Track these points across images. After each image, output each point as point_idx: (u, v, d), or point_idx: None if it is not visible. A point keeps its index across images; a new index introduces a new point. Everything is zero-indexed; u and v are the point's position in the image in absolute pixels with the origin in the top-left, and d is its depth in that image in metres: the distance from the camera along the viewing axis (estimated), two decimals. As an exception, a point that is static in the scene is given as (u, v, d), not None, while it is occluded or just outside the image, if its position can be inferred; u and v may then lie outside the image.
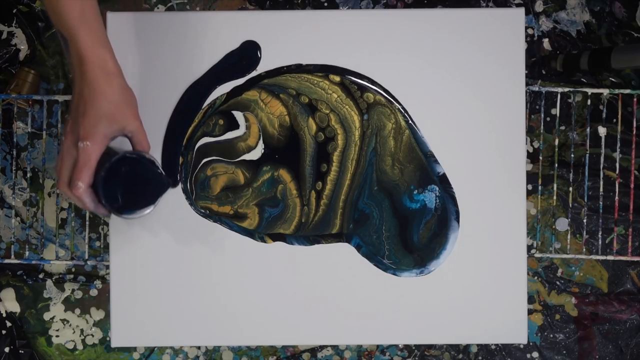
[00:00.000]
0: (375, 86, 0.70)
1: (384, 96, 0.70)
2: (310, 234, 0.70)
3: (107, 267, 1.05)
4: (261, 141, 0.70)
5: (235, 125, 0.70)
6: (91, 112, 0.57)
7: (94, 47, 0.57)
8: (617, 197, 0.97)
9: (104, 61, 0.58)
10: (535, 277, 1.10)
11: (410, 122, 0.70)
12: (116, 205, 0.60)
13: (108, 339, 1.08)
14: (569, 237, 1.00)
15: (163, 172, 0.62)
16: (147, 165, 0.61)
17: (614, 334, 1.09)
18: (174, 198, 0.70)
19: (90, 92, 0.57)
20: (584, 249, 1.00)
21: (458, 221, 0.71)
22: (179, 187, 0.70)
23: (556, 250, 1.08)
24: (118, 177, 0.59)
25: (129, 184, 0.60)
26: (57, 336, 1.08)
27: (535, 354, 1.09)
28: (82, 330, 1.08)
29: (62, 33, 0.57)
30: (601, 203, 0.96)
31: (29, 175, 0.97)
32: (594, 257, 0.96)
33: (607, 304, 1.09)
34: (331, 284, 0.70)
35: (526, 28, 1.10)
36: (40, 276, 1.07)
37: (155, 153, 0.70)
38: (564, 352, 1.09)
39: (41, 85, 1.08)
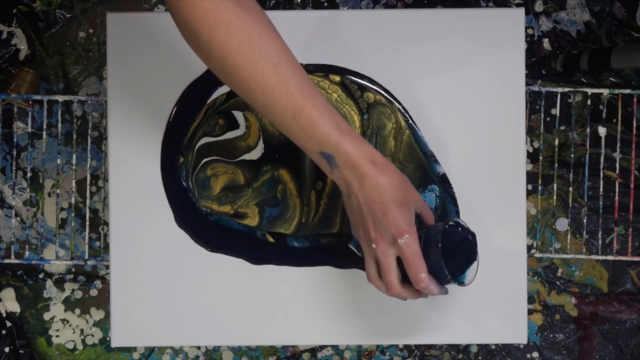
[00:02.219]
0: (375, 86, 0.70)
1: (384, 96, 0.70)
2: (310, 233, 0.70)
3: (107, 267, 1.05)
4: (261, 141, 0.70)
5: (235, 125, 0.70)
6: (391, 208, 0.56)
7: (360, 149, 0.56)
8: (617, 197, 0.97)
9: (374, 156, 0.57)
10: (535, 277, 1.10)
11: (410, 122, 0.70)
12: (456, 274, 0.60)
13: (108, 339, 1.08)
14: (569, 237, 1.00)
15: (466, 225, 0.61)
16: (460, 228, 0.61)
17: (614, 334, 1.09)
18: (175, 196, 0.70)
19: (378, 190, 0.56)
20: (584, 249, 1.00)
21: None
22: (181, 186, 0.70)
23: (556, 250, 1.08)
24: (447, 250, 0.58)
25: (454, 252, 0.59)
26: (57, 336, 1.08)
27: (535, 354, 1.09)
28: (82, 330, 1.08)
29: (325, 151, 0.56)
30: (601, 203, 0.96)
31: (29, 175, 0.97)
32: (594, 257, 0.96)
33: (607, 304, 1.09)
34: (331, 284, 0.70)
35: (526, 28, 1.10)
36: (40, 276, 1.07)
37: (155, 153, 0.70)
38: (564, 352, 1.09)
39: (41, 85, 1.08)
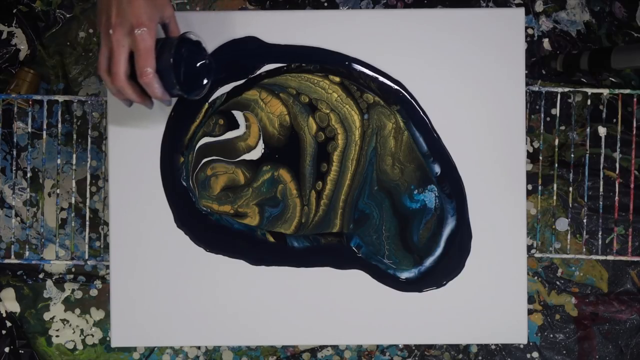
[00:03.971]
0: (376, 82, 0.70)
1: (381, 97, 0.70)
2: (310, 233, 0.70)
3: (107, 267, 1.05)
4: (261, 141, 0.70)
5: (235, 125, 0.70)
6: (138, 1, 0.58)
7: None
8: (617, 197, 0.97)
9: None
10: (535, 277, 1.10)
11: (409, 122, 0.70)
12: (185, 87, 0.62)
13: (108, 339, 1.08)
14: (569, 237, 1.00)
15: (206, 49, 0.64)
16: (199, 46, 0.63)
17: (614, 334, 1.09)
18: (175, 197, 0.70)
19: None
20: (584, 249, 0.99)
21: (455, 219, 0.71)
22: (181, 186, 0.70)
23: (556, 250, 1.08)
24: (181, 59, 0.61)
25: (188, 64, 0.62)
26: (57, 336, 1.08)
27: (535, 354, 1.09)
28: (82, 330, 1.08)
29: None
30: (601, 203, 0.96)
31: (29, 175, 0.97)
32: (594, 257, 0.96)
33: (607, 304, 1.09)
34: (331, 284, 0.70)
35: (526, 28, 1.10)
36: (40, 276, 1.07)
37: (155, 153, 0.70)
38: (564, 352, 1.09)
39: (41, 85, 1.08)
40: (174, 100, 0.69)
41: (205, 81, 0.64)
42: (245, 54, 0.70)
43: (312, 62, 0.70)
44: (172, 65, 0.59)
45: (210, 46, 0.70)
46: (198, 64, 0.63)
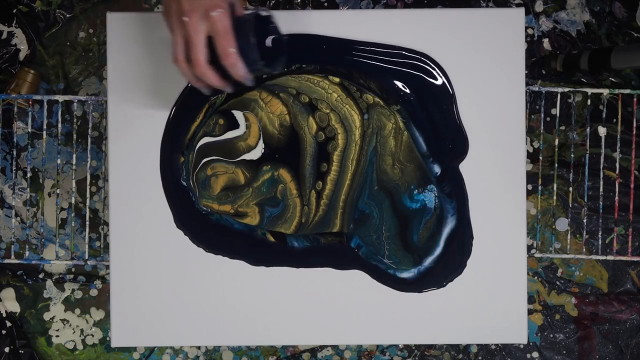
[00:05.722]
0: (376, 82, 0.70)
1: (381, 97, 0.70)
2: (310, 233, 0.70)
3: (107, 267, 1.05)
4: (261, 141, 0.70)
5: (235, 125, 0.70)
6: None
7: None
8: (617, 197, 0.97)
9: None
10: (535, 277, 1.10)
11: (409, 122, 0.70)
12: (267, 62, 0.61)
13: (108, 339, 1.08)
14: (569, 237, 1.00)
15: (278, 26, 0.63)
16: (272, 20, 0.62)
17: (614, 334, 1.09)
18: (175, 197, 0.70)
19: None
20: (584, 249, 1.00)
21: (455, 218, 0.71)
22: (181, 186, 0.70)
23: (556, 250, 1.08)
24: (259, 35, 0.60)
25: (265, 40, 0.61)
26: (57, 336, 1.08)
27: (535, 354, 1.09)
28: (82, 330, 1.08)
29: None
30: (601, 203, 0.96)
31: (29, 175, 0.97)
32: (594, 257, 0.96)
33: (607, 304, 1.09)
34: (331, 284, 0.70)
35: (526, 28, 1.10)
36: (40, 276, 1.07)
37: (155, 153, 0.70)
38: (564, 352, 1.09)
39: (41, 85, 1.08)
40: (254, 79, 0.66)
41: (283, 53, 0.62)
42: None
43: (316, 49, 0.70)
44: (254, 43, 0.58)
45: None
46: (274, 38, 0.61)
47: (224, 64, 0.57)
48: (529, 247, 1.05)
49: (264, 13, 0.61)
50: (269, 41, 0.61)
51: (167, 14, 0.58)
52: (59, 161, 0.94)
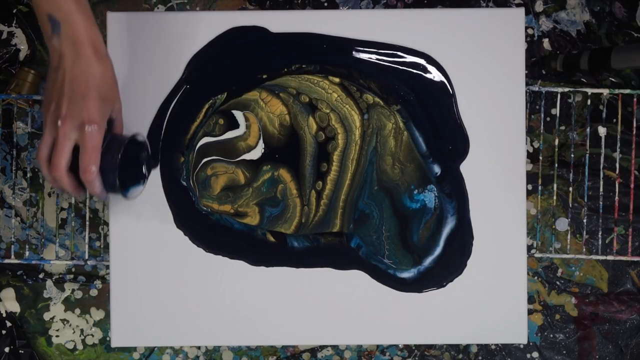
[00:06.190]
0: (376, 81, 0.70)
1: (381, 97, 0.70)
2: (310, 233, 0.70)
3: (107, 267, 1.05)
4: (261, 141, 0.70)
5: (235, 125, 0.70)
6: (93, 95, 0.56)
7: (89, 29, 0.57)
8: (617, 197, 0.96)
9: (98, 42, 0.57)
10: (535, 277, 1.10)
11: (409, 122, 0.70)
12: (127, 185, 0.62)
13: (108, 339, 1.08)
14: (569, 237, 1.00)
15: (147, 145, 0.65)
16: (144, 147, 0.63)
17: (614, 334, 1.09)
18: (175, 197, 0.70)
19: (88, 74, 0.57)
20: (584, 249, 0.99)
21: (455, 218, 0.71)
22: (181, 186, 0.70)
23: (556, 250, 1.08)
24: (125, 160, 0.60)
25: (130, 165, 0.62)
26: (57, 336, 1.08)
27: (535, 354, 1.09)
28: (82, 330, 1.07)
29: (53, 16, 0.56)
30: (601, 203, 0.96)
31: (29, 175, 0.97)
32: (594, 257, 0.95)
33: (607, 304, 1.09)
34: (331, 284, 0.70)
35: (526, 28, 1.10)
36: (40, 276, 1.07)
37: (154, 153, 0.70)
38: (564, 352, 1.09)
39: (41, 85, 1.08)
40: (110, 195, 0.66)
41: (142, 184, 0.64)
42: (251, 44, 0.70)
43: (319, 47, 0.70)
44: (117, 166, 0.59)
45: (210, 40, 0.70)
46: (140, 165, 0.63)
47: (82, 178, 0.58)
48: (529, 247, 1.05)
49: (140, 139, 0.62)
50: (137, 166, 0.62)
51: (45, 110, 0.58)
52: (59, 161, 0.94)
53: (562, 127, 1.09)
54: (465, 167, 0.70)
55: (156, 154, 0.69)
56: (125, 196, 0.62)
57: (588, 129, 0.98)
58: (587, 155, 0.98)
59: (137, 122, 0.70)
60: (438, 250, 0.71)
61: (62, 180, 0.58)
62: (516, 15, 0.71)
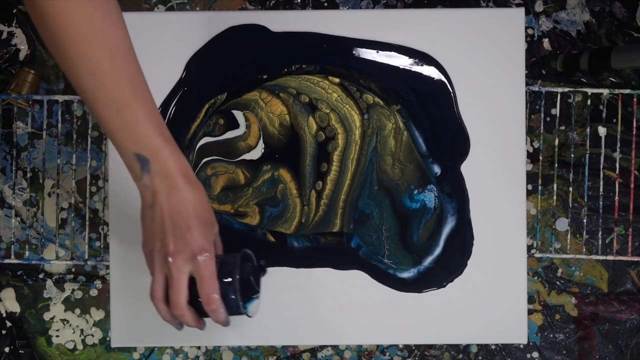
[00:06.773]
0: (376, 81, 0.70)
1: (381, 97, 0.70)
2: (310, 233, 0.70)
3: (107, 267, 1.05)
4: (261, 141, 0.70)
5: (235, 125, 0.70)
6: (196, 224, 0.54)
7: (178, 159, 0.55)
8: (617, 197, 0.96)
9: (188, 170, 0.56)
10: (535, 277, 1.10)
11: (408, 122, 0.70)
12: (244, 303, 0.59)
13: (108, 339, 1.08)
14: (569, 237, 1.00)
15: (255, 260, 0.62)
16: (252, 260, 0.61)
17: (614, 334, 1.09)
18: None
19: (187, 204, 0.54)
20: (584, 249, 0.99)
21: (455, 218, 0.71)
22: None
23: (556, 250, 1.08)
24: (242, 279, 0.58)
25: (245, 281, 0.59)
26: (57, 336, 1.08)
27: (535, 354, 1.09)
28: (82, 330, 1.07)
29: (141, 154, 0.53)
30: (601, 203, 0.96)
31: (29, 175, 0.97)
32: (594, 257, 0.95)
33: (607, 304, 1.09)
34: (331, 284, 0.70)
35: (526, 28, 1.10)
36: (40, 276, 1.07)
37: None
38: (564, 352, 1.09)
39: (41, 85, 1.08)
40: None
41: (257, 299, 0.60)
42: (249, 42, 0.70)
43: (319, 46, 0.70)
44: (237, 289, 0.57)
45: (209, 40, 0.70)
46: (255, 280, 0.60)
47: (206, 309, 0.56)
48: (529, 247, 1.05)
49: (247, 253, 0.60)
50: (250, 282, 0.60)
51: (149, 249, 0.56)
52: (59, 161, 0.94)
53: (562, 127, 1.09)
54: (465, 167, 0.70)
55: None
56: (247, 315, 0.60)
57: (588, 129, 0.98)
58: (587, 155, 0.98)
59: (137, 122, 0.70)
60: (438, 250, 0.71)
61: (184, 317, 0.56)
62: (516, 15, 0.71)
